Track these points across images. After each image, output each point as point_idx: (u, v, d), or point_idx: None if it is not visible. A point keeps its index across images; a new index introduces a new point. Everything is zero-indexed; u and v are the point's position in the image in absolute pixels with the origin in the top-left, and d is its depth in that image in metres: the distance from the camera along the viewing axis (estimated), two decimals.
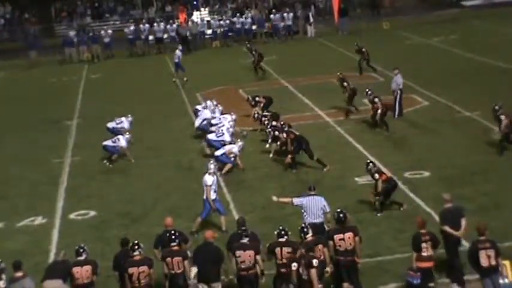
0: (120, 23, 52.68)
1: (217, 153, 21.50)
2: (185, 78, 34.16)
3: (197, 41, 45.83)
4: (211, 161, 18.42)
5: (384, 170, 18.52)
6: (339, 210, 14.07)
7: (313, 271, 12.49)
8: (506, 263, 13.28)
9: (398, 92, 25.63)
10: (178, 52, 35.21)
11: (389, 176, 17.79)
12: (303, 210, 15.14)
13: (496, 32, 41.26)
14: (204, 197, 17.21)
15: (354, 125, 25.21)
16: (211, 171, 17.39)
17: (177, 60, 34.73)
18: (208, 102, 25.77)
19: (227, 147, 21.56)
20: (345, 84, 26.44)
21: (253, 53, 35.31)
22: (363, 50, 32.92)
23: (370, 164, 17.86)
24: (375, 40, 42.02)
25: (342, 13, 46.73)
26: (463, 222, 14.23)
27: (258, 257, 13.27)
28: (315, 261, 12.52)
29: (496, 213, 16.91)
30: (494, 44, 37.14)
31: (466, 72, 31.70)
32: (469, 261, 13.15)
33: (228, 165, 21.36)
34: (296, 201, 15.30)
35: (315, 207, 14.97)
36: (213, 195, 17.11)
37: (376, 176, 17.50)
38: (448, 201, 14.49)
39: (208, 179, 17.18)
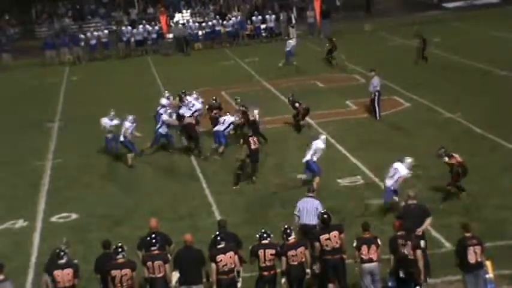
0: (101, 25, 52.44)
1: (221, 128, 23.19)
2: (295, 62, 36.07)
3: (180, 43, 45.78)
4: (322, 136, 20.09)
5: (365, 171, 18.47)
6: (323, 211, 14.23)
7: (419, 252, 13.03)
8: (488, 263, 13.34)
9: (376, 93, 25.79)
10: (291, 41, 37.62)
11: (461, 160, 17.98)
12: (296, 212, 15.20)
13: (477, 33, 41.50)
14: (308, 158, 19.43)
15: (337, 127, 25.25)
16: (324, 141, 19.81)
17: (288, 49, 36.77)
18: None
19: (226, 119, 23.31)
20: (297, 105, 25.32)
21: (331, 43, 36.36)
22: (424, 38, 33.95)
23: (442, 149, 18.14)
24: (357, 42, 42.23)
25: (324, 15, 46.85)
26: (427, 221, 14.43)
27: (236, 257, 13.28)
28: (422, 243, 13.12)
29: (477, 213, 16.99)
30: (476, 46, 37.34)
31: (448, 73, 31.84)
32: (456, 258, 13.20)
33: (222, 147, 22.93)
34: (296, 212, 15.33)
35: (309, 209, 15.06)
36: (314, 158, 19.37)
37: (446, 159, 17.84)
38: (412, 198, 14.69)
39: (321, 144, 19.59)
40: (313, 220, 14.91)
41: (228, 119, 23.48)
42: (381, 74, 26.78)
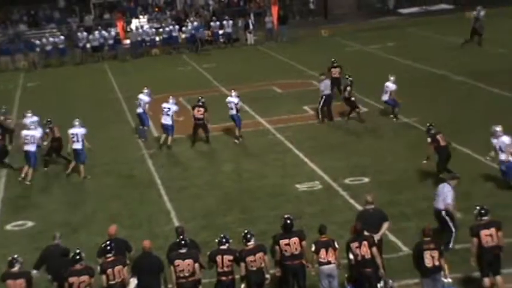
0: (56, 30, 51.84)
1: (234, 112, 24.63)
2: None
3: (137, 49, 45.57)
4: (497, 128, 18.74)
5: (323, 176, 18.47)
6: (286, 216, 13.94)
7: (375, 249, 13.28)
8: (446, 267, 13.45)
9: (324, 97, 25.95)
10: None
11: None
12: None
13: (431, 39, 41.97)
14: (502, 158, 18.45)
15: (294, 132, 25.31)
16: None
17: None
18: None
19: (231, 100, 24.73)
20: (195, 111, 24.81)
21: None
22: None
23: None
24: (314, 47, 42.44)
25: (281, 21, 47.07)
26: (385, 225, 14.51)
27: (197, 266, 13.21)
28: (376, 238, 13.70)
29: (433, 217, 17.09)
30: (430, 51, 37.77)
31: (404, 78, 31.94)
32: (413, 261, 13.33)
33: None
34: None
35: (441, 192, 15.40)
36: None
37: None
38: (369, 203, 14.78)
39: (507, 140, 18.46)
40: (438, 204, 15.31)
41: (232, 99, 24.73)
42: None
